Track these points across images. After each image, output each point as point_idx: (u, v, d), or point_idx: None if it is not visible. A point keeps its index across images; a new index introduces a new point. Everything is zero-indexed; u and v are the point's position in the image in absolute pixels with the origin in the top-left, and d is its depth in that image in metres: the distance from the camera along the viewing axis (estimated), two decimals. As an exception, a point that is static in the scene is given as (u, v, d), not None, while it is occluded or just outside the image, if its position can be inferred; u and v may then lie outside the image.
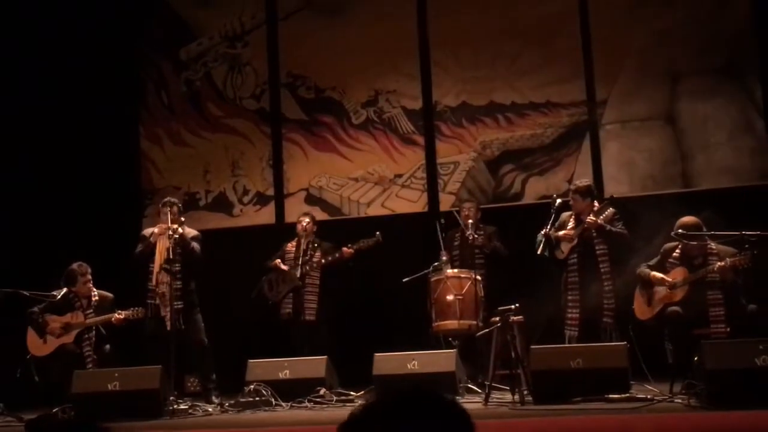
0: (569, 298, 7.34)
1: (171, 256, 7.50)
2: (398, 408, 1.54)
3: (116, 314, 7.48)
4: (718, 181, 8.78)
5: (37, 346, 7.60)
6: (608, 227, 7.27)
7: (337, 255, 8.10)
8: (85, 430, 1.42)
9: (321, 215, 9.39)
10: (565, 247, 7.38)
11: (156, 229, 7.78)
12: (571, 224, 7.39)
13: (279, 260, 8.26)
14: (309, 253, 8.21)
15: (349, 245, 8.09)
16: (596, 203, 7.43)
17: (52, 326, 7.55)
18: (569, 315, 7.32)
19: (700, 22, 8.94)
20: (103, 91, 9.80)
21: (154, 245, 7.69)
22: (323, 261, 8.13)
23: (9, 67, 9.38)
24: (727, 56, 8.87)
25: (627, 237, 7.31)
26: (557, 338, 7.28)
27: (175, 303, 7.52)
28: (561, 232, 7.36)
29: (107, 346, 7.62)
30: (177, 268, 7.57)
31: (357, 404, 6.51)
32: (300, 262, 8.15)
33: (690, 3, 8.98)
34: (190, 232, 7.87)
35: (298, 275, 8.12)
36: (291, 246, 8.34)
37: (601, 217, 7.28)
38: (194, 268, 7.77)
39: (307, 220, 8.36)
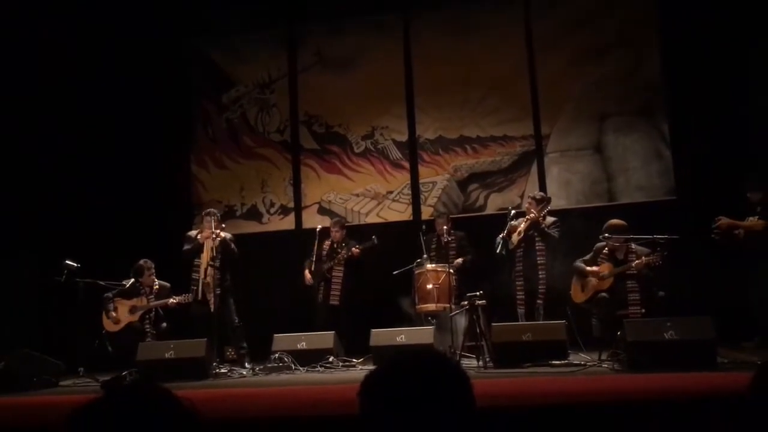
0: (517, 284, 7.39)
1: (214, 255, 7.51)
2: (411, 362, 1.52)
3: (171, 299, 7.48)
4: (635, 197, 8.79)
5: (110, 323, 7.58)
6: (543, 225, 7.31)
7: (349, 253, 8.06)
8: (147, 390, 1.40)
9: (329, 223, 9.37)
10: (515, 239, 7.39)
11: (201, 233, 7.74)
12: (522, 225, 7.41)
13: (307, 270, 8.18)
14: (337, 251, 8.16)
15: (357, 246, 8.08)
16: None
17: (120, 308, 7.54)
18: (518, 297, 7.38)
19: (622, 75, 8.97)
20: (164, 128, 9.81)
21: (202, 245, 7.67)
22: (334, 262, 8.08)
23: (102, 111, 9.39)
24: (642, 101, 8.90)
25: (555, 240, 7.34)
26: (510, 315, 7.31)
27: (215, 290, 7.52)
28: (522, 226, 7.38)
29: (164, 324, 7.61)
30: (218, 264, 7.56)
31: (359, 369, 6.53)
32: (327, 259, 8.12)
33: (615, 60, 9.00)
34: (227, 234, 7.87)
35: (325, 269, 8.08)
36: (326, 245, 8.24)
37: (542, 213, 7.32)
38: (231, 263, 7.75)
39: (336, 229, 8.24)
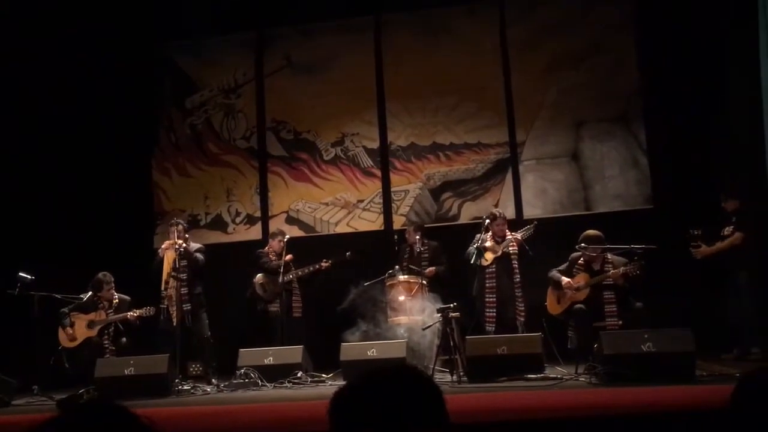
0: (487, 299, 7.35)
1: (177, 266, 7.44)
2: (382, 378, 1.52)
3: (131, 313, 7.39)
4: (612, 206, 8.89)
5: (66, 339, 7.47)
6: (525, 246, 7.34)
7: (316, 267, 8.03)
8: (105, 408, 1.38)
9: (298, 233, 9.35)
10: (489, 257, 7.40)
11: (164, 245, 7.73)
12: (489, 242, 7.41)
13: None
14: (288, 264, 8.11)
15: (325, 260, 8.05)
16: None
17: (78, 323, 7.43)
18: (488, 313, 7.33)
19: (598, 81, 9.07)
20: (124, 133, 9.67)
21: (163, 258, 7.63)
22: (300, 273, 8.05)
23: (57, 115, 9.22)
24: (619, 108, 9.01)
25: (529, 257, 7.35)
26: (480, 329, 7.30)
27: (184, 305, 7.43)
28: (488, 243, 7.39)
29: (123, 339, 7.51)
30: (183, 276, 7.48)
31: (328, 384, 6.48)
32: (282, 271, 8.02)
33: (591, 67, 9.10)
34: (195, 245, 7.80)
35: (281, 281, 7.99)
36: (272, 255, 8.23)
37: (525, 237, 7.35)
38: (199, 274, 7.69)
39: (287, 238, 8.23)
